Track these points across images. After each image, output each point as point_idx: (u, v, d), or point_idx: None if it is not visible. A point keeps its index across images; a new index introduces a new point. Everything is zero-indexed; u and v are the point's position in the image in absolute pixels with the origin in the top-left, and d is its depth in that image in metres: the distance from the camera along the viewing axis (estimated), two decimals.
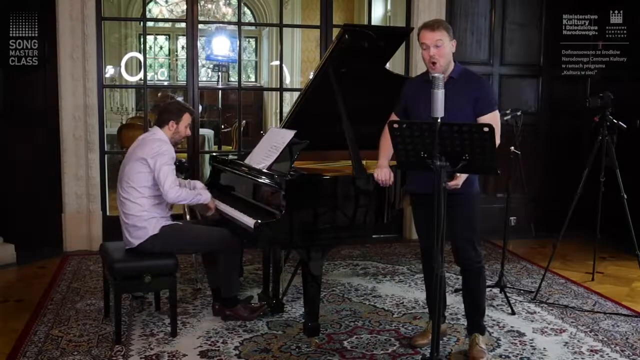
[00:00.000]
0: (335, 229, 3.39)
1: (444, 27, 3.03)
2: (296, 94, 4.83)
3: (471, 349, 3.24)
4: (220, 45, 10.02)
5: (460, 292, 3.94)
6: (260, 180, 3.58)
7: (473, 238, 3.16)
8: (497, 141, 2.98)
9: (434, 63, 3.02)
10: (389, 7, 8.44)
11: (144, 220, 3.46)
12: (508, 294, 4.11)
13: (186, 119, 3.65)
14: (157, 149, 3.46)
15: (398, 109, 3.27)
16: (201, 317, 3.75)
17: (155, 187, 3.48)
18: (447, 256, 3.46)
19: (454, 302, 3.96)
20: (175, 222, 3.61)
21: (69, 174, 5.25)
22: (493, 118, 3.03)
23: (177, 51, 12.39)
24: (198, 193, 3.61)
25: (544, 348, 3.40)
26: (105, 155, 5.55)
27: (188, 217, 4.36)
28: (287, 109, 5.19)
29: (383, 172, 3.26)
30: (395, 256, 5.27)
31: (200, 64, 8.54)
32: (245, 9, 12.00)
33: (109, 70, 9.13)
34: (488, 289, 3.90)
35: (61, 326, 3.58)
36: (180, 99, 11.17)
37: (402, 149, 2.66)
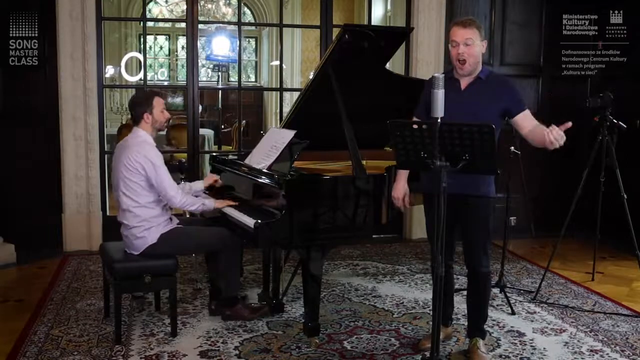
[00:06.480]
0: (335, 229, 3.38)
1: (476, 26, 2.95)
2: (296, 94, 4.82)
3: (473, 353, 3.21)
4: (220, 45, 10.01)
5: (461, 292, 3.95)
6: (260, 180, 3.58)
7: (485, 242, 3.13)
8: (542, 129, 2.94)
9: (462, 62, 2.96)
10: (389, 7, 8.45)
11: (144, 229, 3.45)
12: (508, 294, 4.11)
13: (157, 103, 3.54)
14: (143, 159, 3.40)
15: (419, 110, 3.15)
16: (201, 317, 3.75)
17: (151, 193, 3.46)
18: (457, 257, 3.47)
19: (454, 302, 3.94)
20: (173, 226, 3.59)
21: (69, 174, 5.25)
22: (525, 117, 3.02)
23: (177, 51, 12.39)
24: (202, 202, 3.59)
25: (544, 348, 3.40)
26: (105, 155, 5.54)
27: (188, 214, 4.36)
28: (287, 109, 5.18)
29: (397, 190, 3.26)
30: (395, 256, 5.27)
31: (200, 64, 8.53)
32: (245, 9, 12.00)
33: (109, 70, 9.12)
34: None
35: (61, 326, 3.58)
36: (179, 99, 11.28)
37: (402, 148, 2.66)
